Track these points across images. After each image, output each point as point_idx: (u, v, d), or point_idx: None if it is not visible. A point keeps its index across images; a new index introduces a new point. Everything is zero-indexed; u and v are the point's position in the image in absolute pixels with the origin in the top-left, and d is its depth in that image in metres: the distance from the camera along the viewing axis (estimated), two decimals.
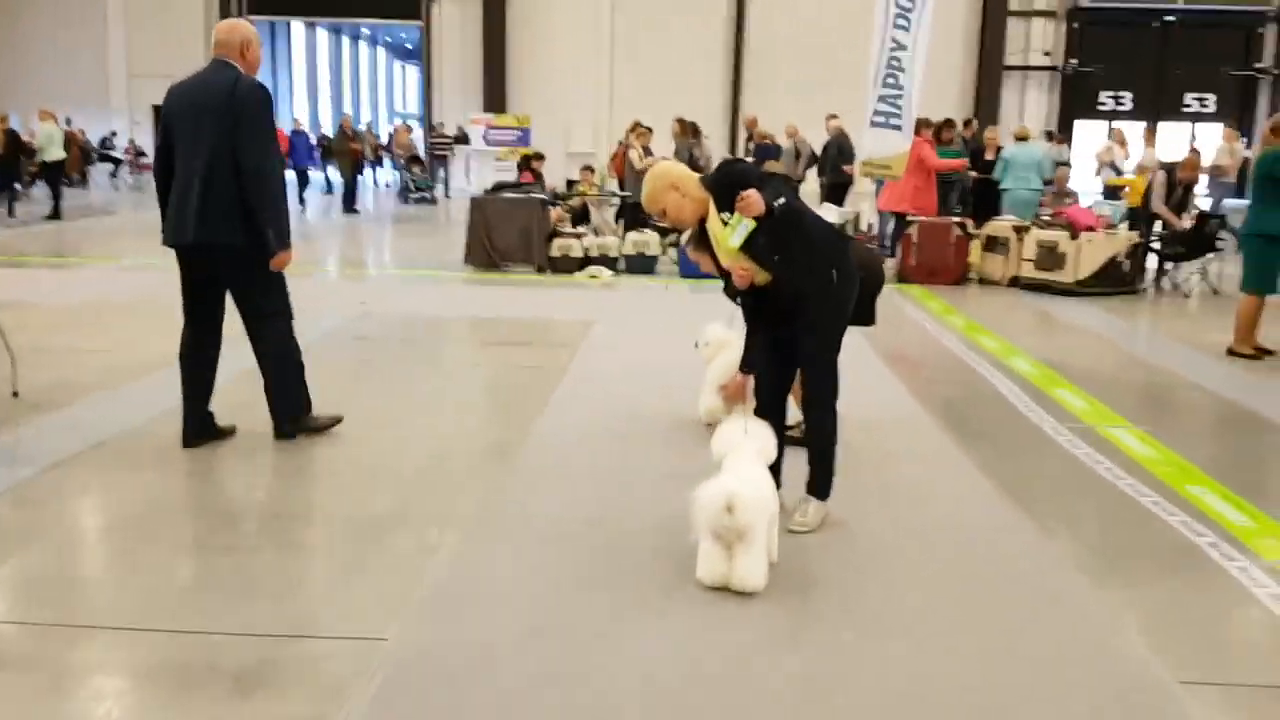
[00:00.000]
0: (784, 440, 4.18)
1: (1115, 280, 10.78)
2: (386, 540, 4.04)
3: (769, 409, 4.17)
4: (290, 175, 19.94)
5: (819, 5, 25.84)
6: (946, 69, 24.47)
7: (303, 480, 4.78)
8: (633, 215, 13.20)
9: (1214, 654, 3.29)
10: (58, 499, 4.38)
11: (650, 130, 14.26)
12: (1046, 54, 27.96)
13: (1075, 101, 27.74)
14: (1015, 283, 11.15)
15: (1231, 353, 7.76)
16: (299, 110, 26.66)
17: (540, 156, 12.86)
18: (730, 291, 4.25)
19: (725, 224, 3.84)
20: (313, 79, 33.51)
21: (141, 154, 26.26)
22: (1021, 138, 13.56)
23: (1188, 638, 3.36)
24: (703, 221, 4.05)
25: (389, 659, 3.06)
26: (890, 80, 10.40)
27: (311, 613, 3.43)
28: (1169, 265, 11.29)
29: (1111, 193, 15.87)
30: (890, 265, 10.88)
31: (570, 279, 11.23)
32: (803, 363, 4.09)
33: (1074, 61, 27.63)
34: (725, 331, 5.52)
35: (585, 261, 11.50)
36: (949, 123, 13.78)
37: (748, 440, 3.74)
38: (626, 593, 3.53)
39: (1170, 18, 27.07)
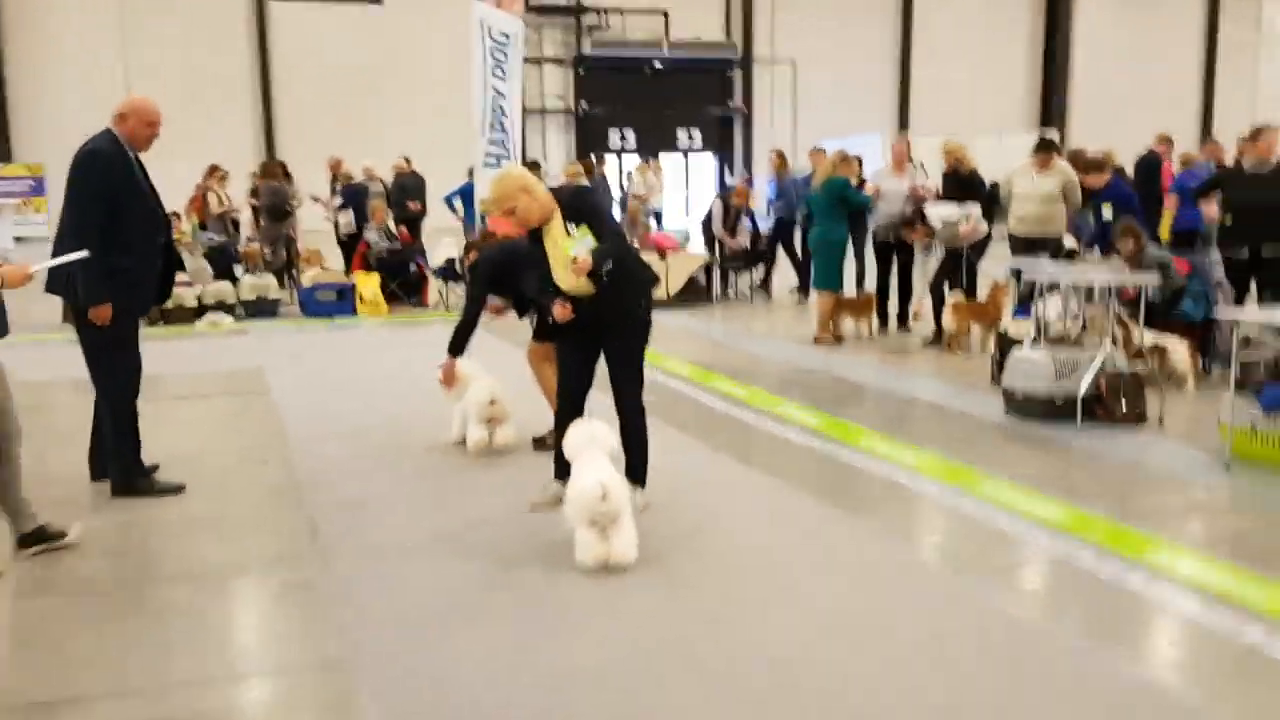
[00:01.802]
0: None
1: (696, 293, 12.54)
2: (252, 584, 4.06)
3: (578, 408, 4.76)
4: None
5: (348, 44, 26.07)
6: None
7: (117, 542, 4.48)
8: (222, 259, 12.71)
9: (957, 551, 4.44)
10: None
11: (227, 173, 13.84)
12: (560, 97, 30.61)
13: (589, 140, 30.60)
14: None
15: (817, 340, 9.54)
16: None
17: None
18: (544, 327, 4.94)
19: (569, 234, 4.46)
20: None
21: None
22: (587, 171, 15.04)
23: (934, 543, 4.51)
24: (537, 232, 4.61)
25: (365, 678, 3.25)
26: (496, 125, 11.26)
27: (239, 656, 3.46)
28: (732, 277, 13.27)
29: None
30: None
31: (189, 329, 10.66)
32: (619, 378, 4.76)
33: (584, 104, 30.50)
34: (473, 366, 5.94)
35: (201, 310, 10.97)
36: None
37: (595, 441, 4.31)
38: (520, 588, 3.95)
39: (658, 64, 30.83)
